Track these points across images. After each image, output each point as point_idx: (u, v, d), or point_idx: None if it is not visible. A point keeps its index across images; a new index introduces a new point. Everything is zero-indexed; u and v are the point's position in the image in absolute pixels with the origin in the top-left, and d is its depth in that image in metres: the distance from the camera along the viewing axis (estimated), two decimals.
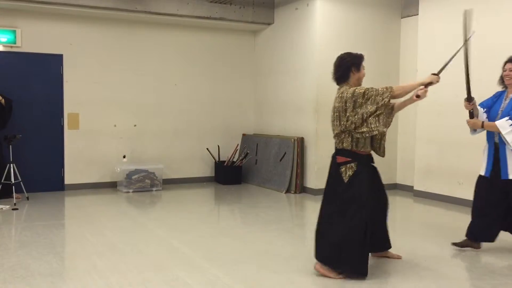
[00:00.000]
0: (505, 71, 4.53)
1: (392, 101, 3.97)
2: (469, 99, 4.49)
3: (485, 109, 4.65)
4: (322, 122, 7.67)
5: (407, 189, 7.97)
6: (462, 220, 6.11)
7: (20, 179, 6.94)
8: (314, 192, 7.67)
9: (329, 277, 3.90)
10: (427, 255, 4.58)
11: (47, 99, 7.81)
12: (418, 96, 3.97)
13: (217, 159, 8.97)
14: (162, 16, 8.00)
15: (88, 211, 6.50)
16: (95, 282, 3.82)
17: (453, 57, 4.23)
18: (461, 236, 4.77)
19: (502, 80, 4.61)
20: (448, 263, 4.42)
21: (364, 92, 3.86)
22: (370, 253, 4.12)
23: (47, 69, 7.81)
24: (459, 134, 6.80)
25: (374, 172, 4.23)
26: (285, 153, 8.05)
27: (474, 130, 4.68)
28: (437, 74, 4.06)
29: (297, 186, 7.86)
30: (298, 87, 8.08)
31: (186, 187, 8.48)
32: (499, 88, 4.68)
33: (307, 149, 7.88)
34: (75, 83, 7.97)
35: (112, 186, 8.21)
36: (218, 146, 9.00)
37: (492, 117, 4.56)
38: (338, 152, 4.04)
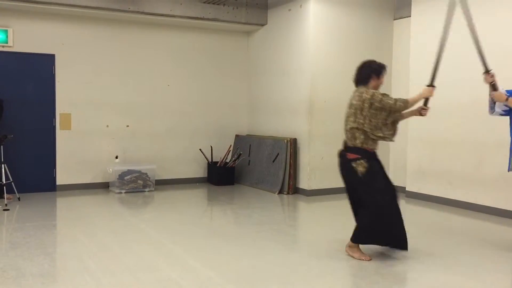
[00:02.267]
0: None
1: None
2: (487, 70, 4.40)
3: (508, 95, 4.49)
4: (315, 123, 7.69)
5: (399, 190, 7.91)
6: (454, 220, 6.16)
7: (11, 180, 6.89)
8: (306, 193, 7.69)
9: (353, 257, 4.35)
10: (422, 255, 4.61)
11: (39, 99, 7.77)
12: (422, 115, 4.48)
13: (210, 160, 8.96)
14: (154, 16, 7.99)
15: (80, 212, 6.47)
16: (87, 282, 3.80)
17: (437, 63, 4.44)
18: (454, 236, 4.77)
19: None
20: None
21: (381, 99, 4.19)
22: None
23: (39, 69, 7.77)
24: (451, 136, 6.85)
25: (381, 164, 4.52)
26: (278, 154, 8.06)
27: (492, 108, 4.56)
28: (430, 85, 4.37)
29: (290, 187, 7.87)
30: (291, 88, 8.09)
31: (179, 188, 8.47)
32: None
33: (300, 150, 7.89)
34: (67, 83, 7.93)
35: (104, 186, 8.18)
36: (211, 146, 8.99)
37: None
38: (349, 149, 4.35)
